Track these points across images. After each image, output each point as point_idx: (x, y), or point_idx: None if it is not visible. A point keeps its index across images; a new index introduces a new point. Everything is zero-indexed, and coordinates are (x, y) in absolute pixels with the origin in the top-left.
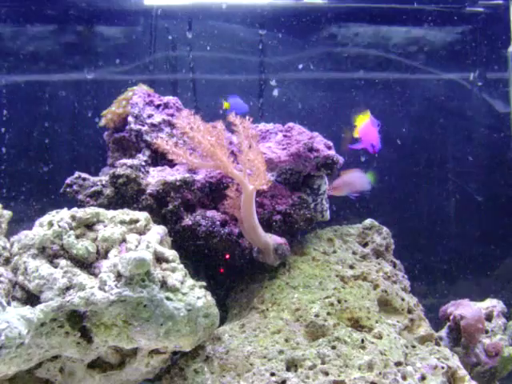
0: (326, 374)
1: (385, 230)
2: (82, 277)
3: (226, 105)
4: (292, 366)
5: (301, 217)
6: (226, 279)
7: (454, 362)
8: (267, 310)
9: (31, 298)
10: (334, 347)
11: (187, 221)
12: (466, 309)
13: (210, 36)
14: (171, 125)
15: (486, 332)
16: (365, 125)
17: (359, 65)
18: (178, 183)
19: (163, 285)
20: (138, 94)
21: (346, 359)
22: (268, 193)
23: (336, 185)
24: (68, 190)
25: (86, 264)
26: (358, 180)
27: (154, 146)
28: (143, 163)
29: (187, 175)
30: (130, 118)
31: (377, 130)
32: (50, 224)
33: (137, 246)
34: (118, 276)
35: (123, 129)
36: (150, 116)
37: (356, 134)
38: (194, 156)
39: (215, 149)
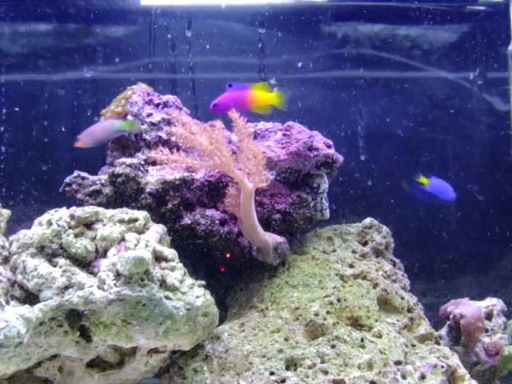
0: (326, 372)
1: (384, 228)
2: (80, 276)
3: (424, 181)
4: (291, 364)
5: (300, 216)
6: (225, 278)
7: (454, 360)
8: (266, 308)
9: (30, 297)
10: (333, 346)
11: (186, 220)
12: (465, 308)
13: (209, 35)
14: (171, 123)
15: (486, 331)
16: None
17: (359, 63)
18: (177, 182)
19: (162, 284)
20: (138, 92)
21: (346, 358)
22: (267, 192)
23: None
24: (67, 188)
25: (84, 263)
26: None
27: (153, 147)
28: (142, 162)
29: (186, 174)
30: (129, 117)
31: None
32: (49, 223)
33: (136, 245)
34: (117, 275)
35: None
36: (149, 115)
37: None
38: (192, 157)
39: (220, 145)
